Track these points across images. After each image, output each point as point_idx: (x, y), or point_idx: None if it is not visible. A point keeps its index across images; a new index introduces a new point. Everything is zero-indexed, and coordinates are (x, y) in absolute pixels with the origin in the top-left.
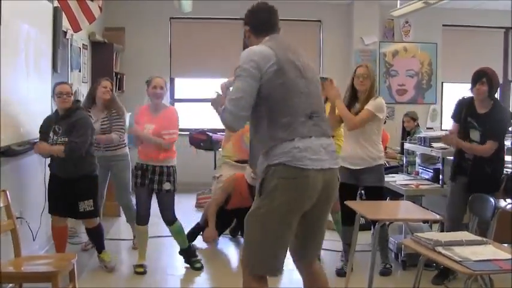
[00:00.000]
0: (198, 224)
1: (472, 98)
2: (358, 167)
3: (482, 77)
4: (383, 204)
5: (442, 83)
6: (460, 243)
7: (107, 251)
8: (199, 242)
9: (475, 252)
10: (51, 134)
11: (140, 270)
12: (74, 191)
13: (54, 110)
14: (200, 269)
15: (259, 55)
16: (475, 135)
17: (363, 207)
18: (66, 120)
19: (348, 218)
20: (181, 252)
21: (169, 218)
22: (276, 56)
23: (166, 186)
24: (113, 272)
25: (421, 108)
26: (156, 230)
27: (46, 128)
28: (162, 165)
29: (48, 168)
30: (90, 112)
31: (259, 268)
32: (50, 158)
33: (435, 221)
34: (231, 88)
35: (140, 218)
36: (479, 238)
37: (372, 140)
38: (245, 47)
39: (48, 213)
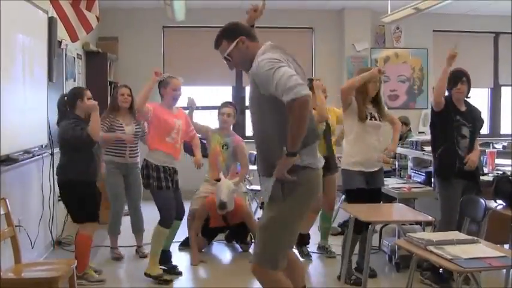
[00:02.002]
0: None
1: (450, 97)
2: (372, 169)
3: (462, 77)
4: (377, 207)
5: (434, 88)
6: (451, 242)
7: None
8: None
9: (466, 250)
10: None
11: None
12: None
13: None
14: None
15: (277, 56)
16: (466, 131)
17: (357, 210)
18: None
19: (357, 226)
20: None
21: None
22: (286, 61)
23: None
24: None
25: (413, 113)
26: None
27: None
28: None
29: (45, 177)
30: (117, 118)
31: (283, 262)
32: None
33: (428, 223)
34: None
35: (172, 220)
36: (469, 237)
37: (380, 143)
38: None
39: (88, 221)
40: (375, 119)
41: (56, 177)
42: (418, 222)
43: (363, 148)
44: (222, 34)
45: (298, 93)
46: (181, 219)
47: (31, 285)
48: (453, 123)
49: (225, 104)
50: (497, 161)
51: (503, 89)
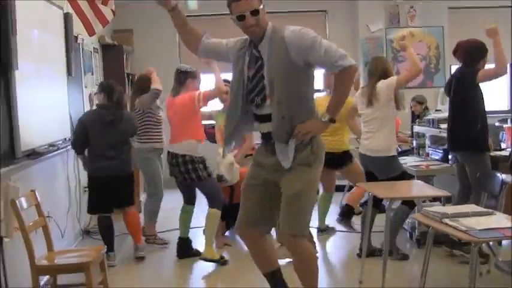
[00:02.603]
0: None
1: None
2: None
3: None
4: (394, 184)
5: (450, 65)
6: (466, 215)
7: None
8: None
9: (480, 222)
10: None
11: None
12: None
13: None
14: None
15: None
16: None
17: (374, 188)
18: None
19: (375, 203)
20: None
21: None
22: None
23: None
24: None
25: (430, 92)
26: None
27: None
28: None
29: (70, 169)
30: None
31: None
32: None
33: (448, 199)
34: None
35: None
36: (484, 209)
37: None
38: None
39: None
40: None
41: (120, 166)
42: (437, 199)
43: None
44: None
45: (351, 62)
46: (194, 204)
47: (64, 270)
48: (482, 95)
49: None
50: None
51: None
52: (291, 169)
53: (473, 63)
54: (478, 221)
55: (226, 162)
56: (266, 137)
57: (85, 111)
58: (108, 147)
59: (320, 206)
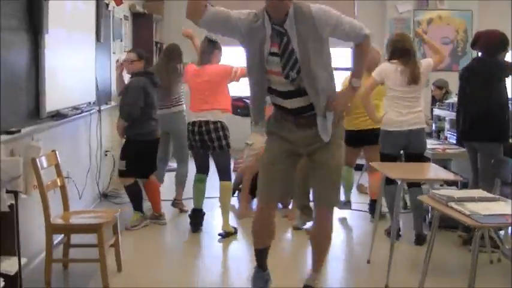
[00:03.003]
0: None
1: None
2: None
3: None
4: (407, 166)
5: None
6: (472, 200)
7: (136, 213)
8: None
9: (486, 207)
10: None
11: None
12: None
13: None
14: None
15: None
16: None
17: (387, 167)
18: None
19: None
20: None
21: None
22: None
23: None
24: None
25: (456, 75)
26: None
27: None
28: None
29: (92, 132)
30: None
31: None
32: None
33: (464, 184)
34: None
35: None
36: (491, 195)
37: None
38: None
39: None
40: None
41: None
42: (454, 183)
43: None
44: None
45: (368, 31)
46: (207, 173)
47: (78, 230)
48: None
49: None
50: None
51: None
52: (328, 143)
53: (496, 54)
54: (484, 207)
55: (258, 132)
56: (295, 112)
57: (111, 77)
58: (155, 111)
59: (346, 180)
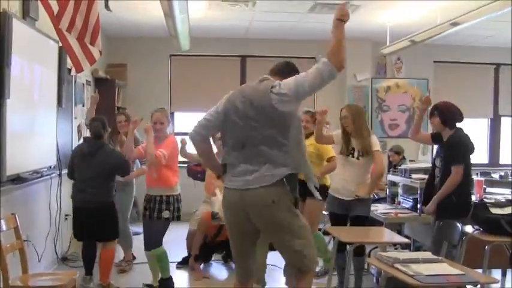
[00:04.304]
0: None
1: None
2: (350, 198)
3: (434, 111)
4: (357, 230)
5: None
6: (416, 261)
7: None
8: None
9: (429, 268)
10: None
11: None
12: None
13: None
14: None
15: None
16: (437, 161)
17: (338, 232)
18: None
19: (340, 245)
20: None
21: None
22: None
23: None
24: None
25: (413, 142)
26: None
27: None
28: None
29: (52, 196)
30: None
31: None
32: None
33: (406, 245)
34: None
35: None
36: (435, 257)
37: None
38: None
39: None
40: (353, 156)
41: (90, 199)
42: (406, 246)
43: (341, 178)
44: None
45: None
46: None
47: None
48: (435, 156)
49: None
50: (494, 189)
51: (503, 119)
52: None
53: (453, 126)
54: (427, 267)
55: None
56: None
57: (72, 141)
58: (86, 179)
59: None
